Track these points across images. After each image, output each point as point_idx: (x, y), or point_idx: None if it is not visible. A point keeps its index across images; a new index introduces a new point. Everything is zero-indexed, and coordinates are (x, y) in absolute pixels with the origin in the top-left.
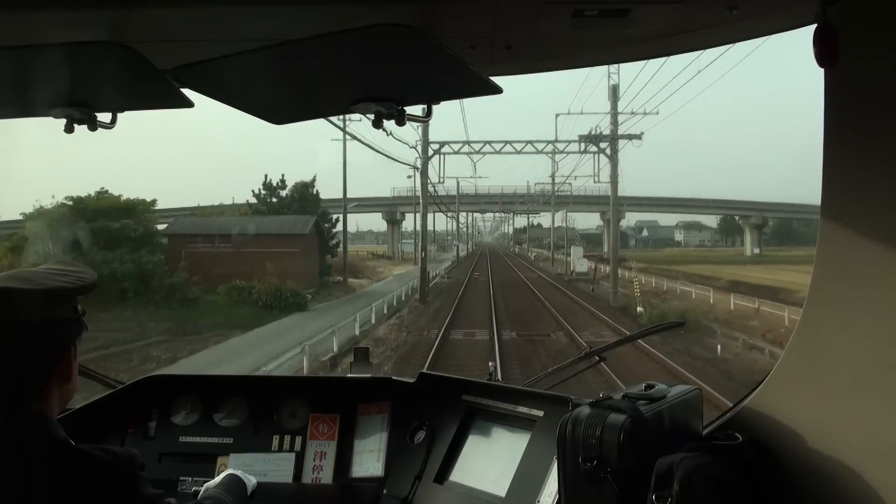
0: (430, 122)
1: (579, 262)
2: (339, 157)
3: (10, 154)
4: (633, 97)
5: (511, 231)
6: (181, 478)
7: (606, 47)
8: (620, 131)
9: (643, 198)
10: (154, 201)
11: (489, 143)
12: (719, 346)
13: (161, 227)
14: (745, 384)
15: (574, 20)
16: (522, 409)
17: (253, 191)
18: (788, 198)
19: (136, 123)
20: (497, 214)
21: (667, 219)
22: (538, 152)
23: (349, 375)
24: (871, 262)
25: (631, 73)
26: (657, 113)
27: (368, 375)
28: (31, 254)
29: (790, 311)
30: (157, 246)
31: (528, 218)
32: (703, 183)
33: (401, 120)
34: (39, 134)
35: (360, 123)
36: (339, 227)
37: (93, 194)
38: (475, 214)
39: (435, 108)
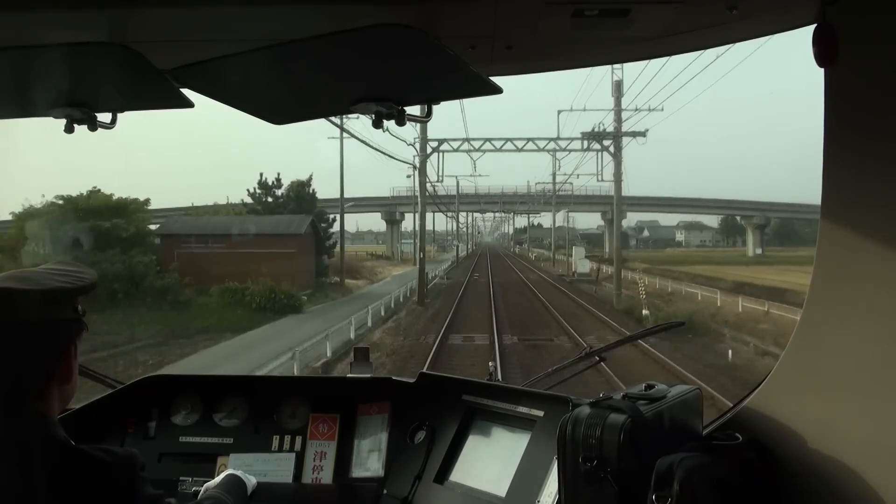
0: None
1: (581, 262)
2: (337, 156)
3: (1, 153)
4: (635, 96)
5: (511, 231)
6: (181, 478)
7: (606, 47)
8: (623, 129)
9: (644, 197)
10: (147, 200)
11: (489, 140)
12: (730, 352)
13: (154, 227)
14: None
15: (574, 20)
16: (522, 409)
17: (248, 190)
18: (789, 197)
19: (135, 123)
20: (497, 214)
21: (667, 219)
22: (540, 150)
23: (349, 375)
24: (871, 262)
25: (632, 72)
26: (662, 109)
27: (368, 375)
28: (19, 254)
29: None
30: (148, 246)
31: (529, 218)
32: (705, 182)
33: (401, 120)
34: (35, 133)
35: (357, 121)
36: (337, 226)
37: (84, 193)
38: (475, 214)
39: (435, 106)
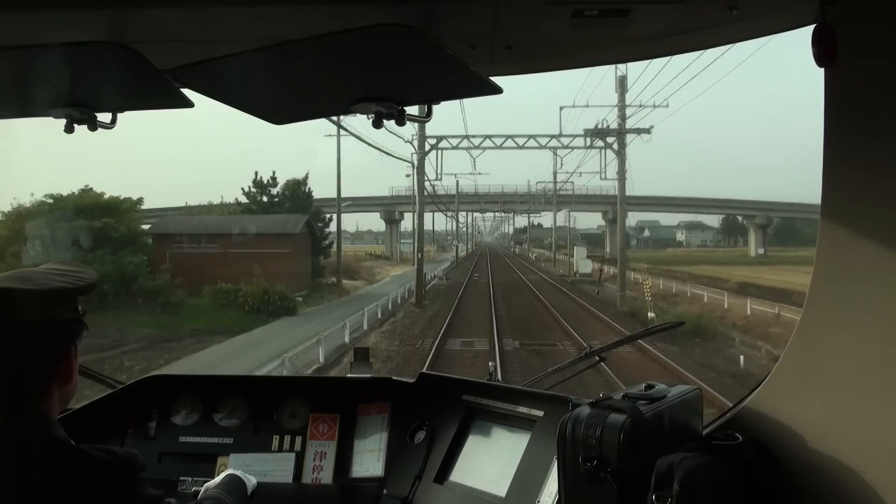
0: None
1: (583, 262)
2: (335, 155)
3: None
4: (637, 94)
5: (511, 231)
6: (181, 478)
7: (606, 47)
8: (626, 126)
9: (644, 197)
10: (140, 200)
11: (489, 137)
12: (742, 357)
13: (147, 226)
14: None
15: (574, 20)
16: (522, 409)
17: (243, 189)
18: (791, 197)
19: (134, 123)
20: (497, 214)
21: (668, 218)
22: (541, 147)
23: (349, 375)
24: (871, 262)
25: (633, 71)
26: (667, 105)
27: (368, 375)
28: (7, 253)
29: None
30: (140, 246)
31: (529, 218)
32: (705, 182)
33: (401, 120)
34: (32, 133)
35: (354, 119)
36: (334, 226)
37: (75, 192)
38: (475, 214)
39: (434, 105)
